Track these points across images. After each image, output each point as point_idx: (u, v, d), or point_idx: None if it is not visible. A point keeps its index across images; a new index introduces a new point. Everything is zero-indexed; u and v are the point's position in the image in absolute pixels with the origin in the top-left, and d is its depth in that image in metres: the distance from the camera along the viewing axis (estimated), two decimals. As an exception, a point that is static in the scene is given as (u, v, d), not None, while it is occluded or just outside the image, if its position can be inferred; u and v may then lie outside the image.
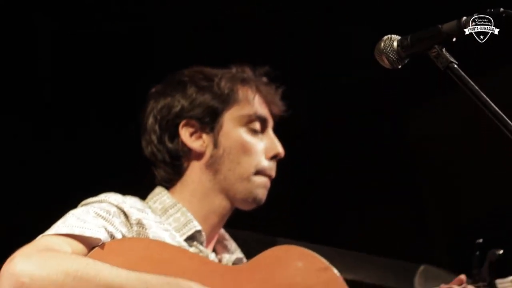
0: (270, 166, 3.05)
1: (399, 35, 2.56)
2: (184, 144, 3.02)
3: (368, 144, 4.73)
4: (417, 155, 4.87)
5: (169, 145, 3.02)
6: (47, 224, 2.67)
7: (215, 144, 3.01)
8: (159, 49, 4.36)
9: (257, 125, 3.06)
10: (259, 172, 3.02)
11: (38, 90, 4.21)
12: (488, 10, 2.45)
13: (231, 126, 3.02)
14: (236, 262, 3.01)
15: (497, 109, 2.41)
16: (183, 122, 3.02)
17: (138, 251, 2.67)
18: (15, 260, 2.45)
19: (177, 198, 2.99)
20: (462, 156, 4.64)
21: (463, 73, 2.45)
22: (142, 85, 4.16)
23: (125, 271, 2.48)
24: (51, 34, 4.23)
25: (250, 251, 3.06)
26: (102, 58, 4.25)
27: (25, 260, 2.45)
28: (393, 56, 2.55)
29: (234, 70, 3.13)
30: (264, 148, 3.05)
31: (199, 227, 2.94)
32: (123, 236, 2.71)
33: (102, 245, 2.61)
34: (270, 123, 3.12)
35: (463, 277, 2.98)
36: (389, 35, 2.57)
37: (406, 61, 2.57)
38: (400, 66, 2.58)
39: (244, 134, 3.03)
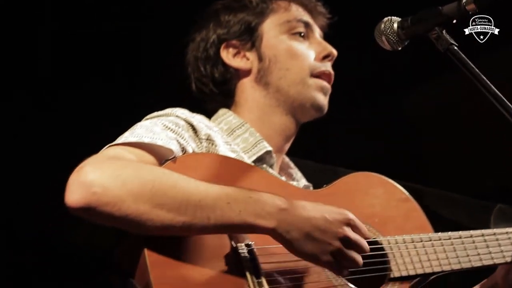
0: (325, 66, 2.89)
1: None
2: (229, 66, 2.91)
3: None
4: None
5: (215, 73, 2.91)
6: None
7: (260, 58, 2.89)
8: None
9: (300, 29, 2.93)
10: (314, 74, 2.87)
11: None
12: (488, -8, 2.45)
13: (272, 36, 2.90)
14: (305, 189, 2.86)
15: (497, 91, 2.41)
16: (223, 46, 2.92)
17: (212, 168, 2.47)
18: (86, 169, 2.23)
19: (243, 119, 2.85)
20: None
21: (463, 55, 2.45)
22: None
23: (204, 183, 2.29)
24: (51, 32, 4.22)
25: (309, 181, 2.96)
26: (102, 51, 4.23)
27: (97, 169, 2.23)
28: (393, 37, 2.57)
29: None
30: (314, 51, 2.91)
31: (269, 148, 2.78)
32: (193, 151, 2.54)
33: (173, 159, 2.41)
34: (316, 30, 2.98)
35: None
36: (389, 17, 2.59)
37: (406, 43, 2.58)
38: (400, 48, 2.59)
39: (287, 40, 2.90)
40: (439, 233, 2.71)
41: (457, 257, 2.70)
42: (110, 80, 4.24)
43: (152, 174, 2.27)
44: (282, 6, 2.96)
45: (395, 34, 2.56)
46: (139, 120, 2.68)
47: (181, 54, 3.26)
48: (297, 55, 2.88)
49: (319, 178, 2.88)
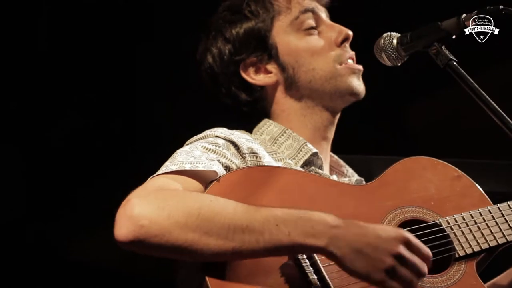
0: (346, 51, 2.80)
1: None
2: (254, 86, 2.82)
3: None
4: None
5: (242, 95, 2.83)
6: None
7: (282, 67, 2.80)
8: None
9: (310, 22, 2.81)
10: (339, 63, 2.79)
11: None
12: (487, 8, 2.46)
13: (286, 40, 2.81)
14: (358, 184, 2.82)
15: (496, 106, 2.42)
16: (241, 67, 2.83)
17: (258, 180, 2.45)
18: (132, 202, 2.24)
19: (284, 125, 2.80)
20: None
21: (462, 71, 2.46)
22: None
23: (252, 207, 2.26)
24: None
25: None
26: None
27: (142, 201, 2.24)
28: (393, 53, 2.58)
29: None
30: (330, 38, 2.82)
31: (314, 150, 2.73)
32: (237, 167, 2.51)
33: (218, 179, 2.41)
34: (323, 13, 2.86)
35: None
36: (389, 33, 2.60)
37: (406, 59, 2.59)
38: (399, 64, 2.60)
39: (302, 39, 2.80)
40: (498, 204, 2.66)
41: None
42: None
43: (198, 202, 2.27)
44: (282, 4, 2.85)
45: (394, 50, 2.57)
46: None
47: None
48: (317, 51, 2.80)
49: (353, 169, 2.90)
